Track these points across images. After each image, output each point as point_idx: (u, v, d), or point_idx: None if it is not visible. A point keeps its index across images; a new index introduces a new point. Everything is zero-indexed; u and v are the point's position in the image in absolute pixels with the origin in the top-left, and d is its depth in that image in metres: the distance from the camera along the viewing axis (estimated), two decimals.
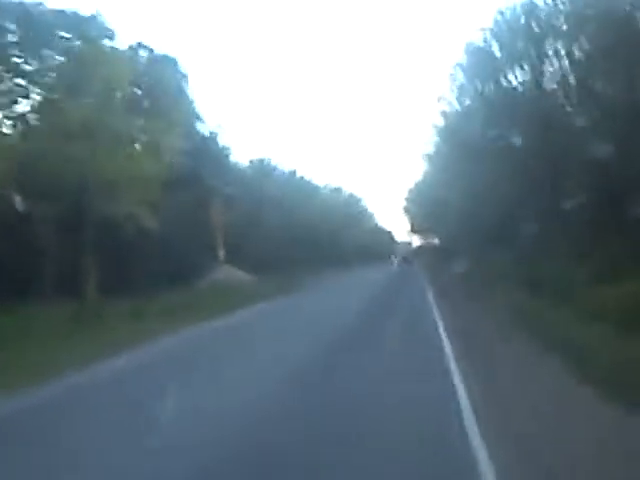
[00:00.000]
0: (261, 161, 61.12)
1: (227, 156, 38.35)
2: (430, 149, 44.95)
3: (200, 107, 43.96)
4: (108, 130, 22.06)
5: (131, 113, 27.15)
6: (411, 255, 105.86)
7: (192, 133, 33.60)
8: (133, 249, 26.85)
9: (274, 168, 64.57)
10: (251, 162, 60.43)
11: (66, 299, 23.47)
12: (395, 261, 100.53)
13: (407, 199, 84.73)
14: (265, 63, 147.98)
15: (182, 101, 30.39)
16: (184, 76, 33.87)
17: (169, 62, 30.53)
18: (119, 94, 25.87)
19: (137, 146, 24.65)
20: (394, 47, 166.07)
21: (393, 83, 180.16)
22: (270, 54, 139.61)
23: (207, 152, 33.67)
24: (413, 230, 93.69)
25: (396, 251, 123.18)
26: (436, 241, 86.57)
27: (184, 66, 32.44)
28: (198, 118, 34.79)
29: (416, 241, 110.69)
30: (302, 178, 75.23)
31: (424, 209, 67.44)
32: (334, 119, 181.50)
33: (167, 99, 27.66)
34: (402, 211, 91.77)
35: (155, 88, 27.45)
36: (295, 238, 59.09)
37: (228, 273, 35.17)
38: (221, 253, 36.68)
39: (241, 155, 69.30)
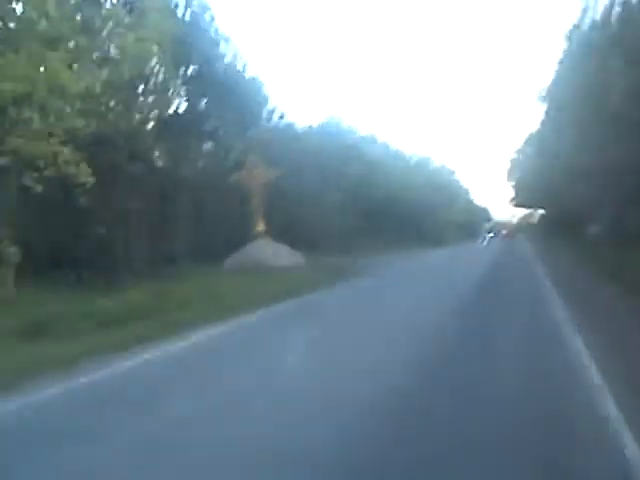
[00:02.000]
0: (329, 121, 50.59)
1: (260, 90, 28.22)
2: (549, 86, 32.91)
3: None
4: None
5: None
6: (512, 233, 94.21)
7: (211, 60, 24.31)
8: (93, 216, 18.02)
9: (348, 130, 54.08)
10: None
11: None
12: (484, 241, 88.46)
13: (512, 161, 72.35)
14: (348, 26, 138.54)
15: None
16: None
17: None
18: None
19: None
20: None
21: (484, 29, 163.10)
22: (353, 17, 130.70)
23: (227, 84, 24.04)
24: (516, 200, 79.97)
25: (492, 230, 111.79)
26: (541, 212, 74.02)
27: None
28: (217, 43, 25.00)
29: (516, 216, 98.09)
30: (383, 143, 64.67)
31: (531, 173, 55.38)
32: (421, 82, 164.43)
33: None
34: (505, 176, 78.10)
35: None
36: (370, 211, 49.18)
37: (265, 251, 25.85)
38: (259, 224, 27.35)
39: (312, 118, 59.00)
